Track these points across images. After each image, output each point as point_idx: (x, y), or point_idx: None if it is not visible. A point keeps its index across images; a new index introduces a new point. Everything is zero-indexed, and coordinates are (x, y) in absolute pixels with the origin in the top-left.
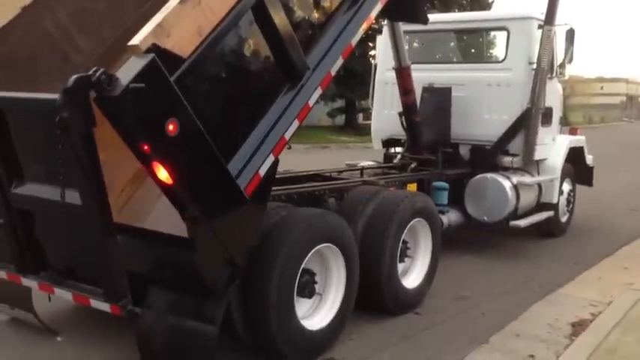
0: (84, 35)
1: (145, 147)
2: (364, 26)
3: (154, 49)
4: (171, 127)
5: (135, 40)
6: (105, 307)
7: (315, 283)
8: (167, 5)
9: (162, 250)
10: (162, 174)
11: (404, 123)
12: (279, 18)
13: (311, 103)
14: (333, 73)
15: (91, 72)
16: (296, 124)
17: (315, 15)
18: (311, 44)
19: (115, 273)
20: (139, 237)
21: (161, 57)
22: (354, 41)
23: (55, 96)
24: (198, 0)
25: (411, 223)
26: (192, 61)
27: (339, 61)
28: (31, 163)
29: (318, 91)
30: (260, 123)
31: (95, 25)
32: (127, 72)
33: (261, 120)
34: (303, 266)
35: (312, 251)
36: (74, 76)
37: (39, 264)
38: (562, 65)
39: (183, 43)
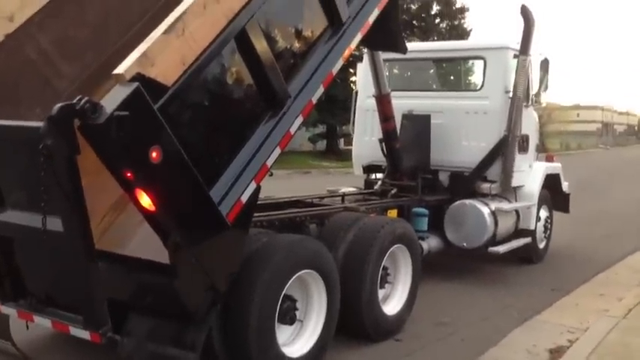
0: (66, 61)
1: (128, 174)
2: (345, 56)
3: (139, 77)
4: (154, 154)
5: (120, 69)
6: (85, 334)
7: (297, 309)
8: (151, 35)
9: (143, 277)
10: (145, 201)
11: (384, 149)
12: (261, 47)
13: (292, 130)
14: (314, 101)
15: (75, 100)
16: (278, 151)
17: (297, 44)
18: (292, 73)
19: (96, 300)
20: (120, 264)
21: (145, 85)
22: (335, 70)
23: (39, 124)
24: (182, 30)
25: (392, 249)
26: (176, 90)
27: (320, 90)
28: (12, 190)
29: (300, 119)
30: (242, 150)
31: (78, 52)
32: (111, 100)
33: (243, 147)
34: (284, 292)
35: (294, 277)
36: (59, 105)
37: (18, 291)
38: (537, 94)
39: (167, 72)
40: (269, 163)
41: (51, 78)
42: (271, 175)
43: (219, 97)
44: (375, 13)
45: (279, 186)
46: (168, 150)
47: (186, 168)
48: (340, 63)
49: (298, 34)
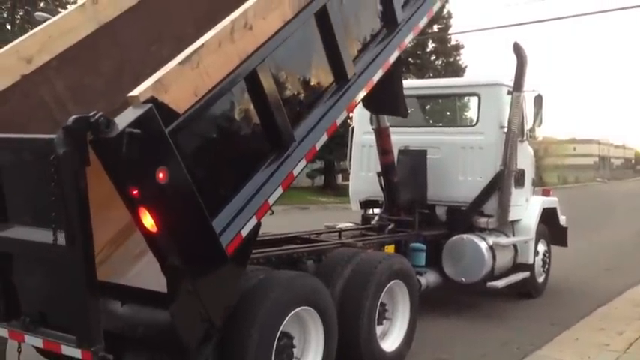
0: (79, 107)
1: (135, 192)
2: (349, 108)
3: (152, 100)
4: (161, 175)
5: (135, 92)
6: (76, 353)
7: (294, 346)
8: (168, 64)
9: (139, 308)
10: (148, 221)
11: (382, 183)
12: (269, 90)
13: (295, 173)
14: (317, 147)
15: (90, 114)
16: (280, 190)
17: (305, 93)
18: (299, 119)
19: (92, 316)
20: (116, 293)
21: (158, 109)
22: (339, 121)
23: (53, 136)
24: (196, 63)
25: (389, 284)
26: (187, 118)
27: (324, 138)
28: (16, 205)
29: (303, 163)
30: (246, 186)
31: (91, 100)
32: (124, 118)
33: (246, 183)
34: (281, 329)
35: (291, 314)
36: (74, 116)
37: (11, 311)
38: (532, 129)
39: (180, 100)
40: (270, 201)
41: (61, 122)
42: (272, 213)
43: (227, 131)
44: (380, 73)
45: (277, 222)
46: (175, 173)
47: (190, 193)
48: (344, 115)
49: (306, 83)
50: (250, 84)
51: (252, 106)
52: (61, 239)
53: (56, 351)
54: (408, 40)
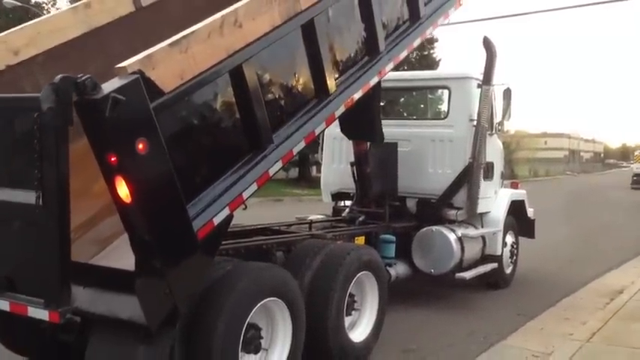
0: None
1: (113, 158)
2: (328, 120)
3: (139, 73)
4: (140, 145)
5: (123, 64)
6: (44, 314)
7: (261, 338)
8: (158, 45)
9: (104, 286)
10: (123, 190)
11: (355, 173)
12: (253, 89)
13: (271, 172)
14: (294, 152)
15: (78, 76)
16: (255, 187)
17: (287, 99)
18: (279, 123)
19: (62, 277)
20: (82, 273)
21: (144, 83)
22: (317, 131)
23: (37, 95)
24: (185, 48)
25: (358, 276)
26: (171, 98)
27: (302, 144)
28: None
29: (279, 164)
30: (221, 176)
31: None
32: (111, 84)
33: (223, 174)
34: (248, 321)
35: (258, 305)
36: (61, 75)
37: None
38: (501, 122)
39: (165, 80)
40: (245, 195)
41: None
42: (245, 208)
43: (209, 120)
44: (360, 93)
45: (251, 214)
46: (154, 146)
47: (168, 171)
48: (323, 126)
49: (289, 89)
50: (235, 79)
51: (234, 101)
52: (39, 199)
53: (22, 313)
54: (389, 69)
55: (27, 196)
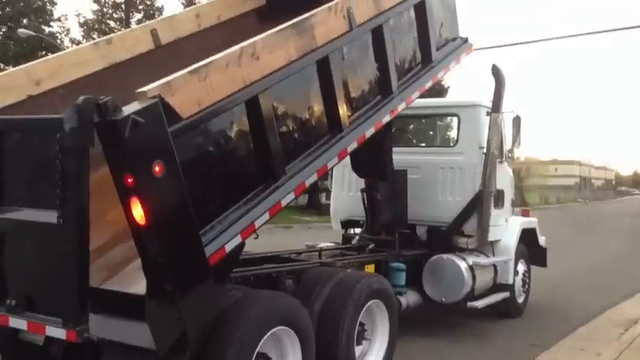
0: None
1: (130, 179)
2: (340, 156)
3: (159, 98)
4: (157, 168)
5: (143, 88)
6: (61, 333)
7: None
8: (178, 72)
9: (114, 310)
10: (138, 212)
11: (365, 200)
12: (268, 120)
13: (283, 203)
14: (307, 184)
15: (100, 98)
16: (267, 216)
17: (300, 132)
18: (292, 155)
19: (80, 296)
20: (94, 297)
21: (163, 107)
22: (330, 165)
23: (58, 116)
24: (204, 76)
25: (368, 304)
26: (188, 124)
27: (314, 177)
28: (14, 185)
29: (291, 196)
30: (235, 204)
31: None
32: (131, 107)
33: (236, 202)
34: (258, 350)
35: (268, 334)
36: (84, 96)
37: None
38: (511, 150)
39: (184, 106)
40: (257, 224)
41: None
42: (256, 238)
43: (224, 148)
44: (372, 130)
45: (260, 241)
46: (171, 169)
47: (183, 194)
48: (335, 160)
49: (303, 122)
50: (250, 109)
51: (249, 131)
52: (60, 218)
53: (40, 333)
54: (401, 108)
55: (48, 216)
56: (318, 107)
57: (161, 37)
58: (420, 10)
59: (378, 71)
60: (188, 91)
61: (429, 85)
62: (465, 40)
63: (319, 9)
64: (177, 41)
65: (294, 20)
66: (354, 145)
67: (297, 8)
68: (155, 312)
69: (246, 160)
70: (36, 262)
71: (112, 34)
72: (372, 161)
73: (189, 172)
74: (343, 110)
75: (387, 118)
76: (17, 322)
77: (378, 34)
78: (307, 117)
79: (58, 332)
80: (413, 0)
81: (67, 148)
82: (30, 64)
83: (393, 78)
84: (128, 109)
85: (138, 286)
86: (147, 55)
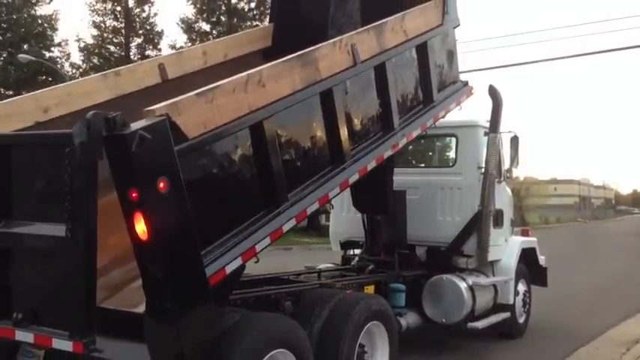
0: None
1: (134, 194)
2: (342, 186)
3: (166, 116)
4: (162, 184)
5: (152, 107)
6: (67, 345)
7: None
8: (186, 94)
9: (111, 329)
10: (141, 227)
11: (365, 221)
12: (272, 146)
13: (284, 229)
14: (308, 212)
15: (109, 113)
16: (268, 240)
17: (304, 161)
18: (295, 183)
19: (87, 308)
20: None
21: (170, 126)
22: (332, 195)
23: (68, 131)
24: (211, 99)
25: (368, 325)
26: (193, 145)
27: (316, 205)
28: (22, 200)
29: (293, 222)
30: (237, 227)
31: None
32: (139, 123)
33: (238, 225)
34: None
35: (267, 357)
36: (93, 111)
37: (3, 309)
38: (509, 170)
39: (190, 126)
40: (258, 248)
41: None
42: (257, 261)
43: (227, 170)
44: (373, 163)
45: (259, 263)
46: (175, 187)
47: (186, 212)
48: (337, 190)
49: (306, 151)
50: (255, 134)
51: (253, 155)
52: (68, 231)
53: (47, 345)
54: (402, 144)
55: (56, 229)
56: (320, 137)
57: (168, 72)
58: (422, 51)
59: (381, 107)
60: (195, 112)
61: (430, 123)
62: (466, 84)
63: (324, 43)
64: (184, 76)
65: (300, 52)
66: (355, 177)
67: (302, 49)
68: (153, 330)
69: (249, 184)
70: (44, 276)
71: (121, 67)
72: (373, 196)
73: (193, 191)
74: (345, 142)
75: (388, 153)
76: (23, 336)
77: (380, 71)
78: (310, 146)
79: (64, 344)
80: (415, 41)
81: (76, 162)
82: (39, 91)
83: (395, 114)
84: (136, 125)
85: (136, 306)
86: (153, 88)
